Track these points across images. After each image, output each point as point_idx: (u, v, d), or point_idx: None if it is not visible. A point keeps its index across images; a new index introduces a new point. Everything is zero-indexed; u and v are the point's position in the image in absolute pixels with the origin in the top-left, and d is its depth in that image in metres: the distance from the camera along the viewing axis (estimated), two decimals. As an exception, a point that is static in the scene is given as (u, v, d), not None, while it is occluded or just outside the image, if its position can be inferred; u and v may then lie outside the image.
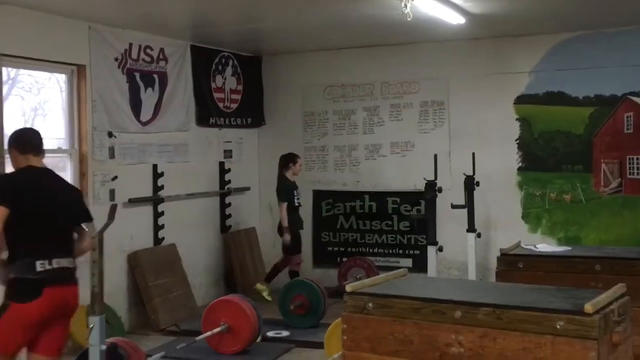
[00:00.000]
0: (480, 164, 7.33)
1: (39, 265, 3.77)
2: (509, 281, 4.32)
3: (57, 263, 3.86)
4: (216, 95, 8.20)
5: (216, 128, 8.21)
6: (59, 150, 6.39)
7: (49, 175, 4.13)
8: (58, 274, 3.84)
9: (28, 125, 6.04)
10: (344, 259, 8.27)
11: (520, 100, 7.73)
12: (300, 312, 6.62)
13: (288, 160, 7.65)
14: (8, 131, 5.67)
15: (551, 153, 7.65)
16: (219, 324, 5.75)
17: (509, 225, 7.65)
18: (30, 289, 3.75)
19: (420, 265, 7.73)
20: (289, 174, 7.61)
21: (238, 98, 8.57)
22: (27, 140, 4.06)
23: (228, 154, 8.44)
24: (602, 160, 7.46)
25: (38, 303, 3.74)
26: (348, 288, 3.29)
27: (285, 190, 7.55)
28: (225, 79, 8.36)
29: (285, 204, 7.49)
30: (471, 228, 7.22)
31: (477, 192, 7.25)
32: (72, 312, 4.03)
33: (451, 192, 7.50)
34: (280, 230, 7.57)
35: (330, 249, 8.63)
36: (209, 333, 5.72)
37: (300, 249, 7.74)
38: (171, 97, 7.43)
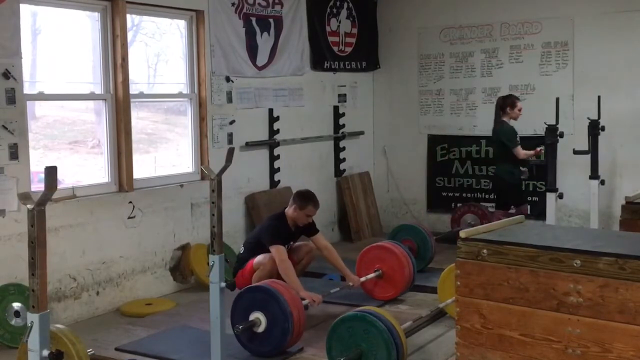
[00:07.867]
0: (606, 108, 6.95)
1: None
2: (633, 230, 4.12)
3: None
4: (331, 39, 8.17)
5: (331, 72, 8.21)
6: (179, 95, 6.60)
7: None
8: None
9: (151, 70, 6.32)
10: (458, 205, 8.16)
11: (653, 39, 7.23)
12: (407, 256, 6.59)
13: (506, 103, 6.96)
14: (133, 76, 5.95)
15: (686, 96, 7.15)
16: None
17: (635, 173, 7.27)
18: None
19: (538, 212, 7.53)
20: (505, 118, 6.95)
21: (352, 41, 8.51)
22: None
23: (342, 98, 8.44)
24: None
25: None
26: (462, 234, 3.25)
27: (513, 134, 6.88)
28: (340, 22, 8.30)
29: (520, 148, 6.83)
30: (594, 175, 6.93)
31: (602, 138, 6.90)
32: None
33: (573, 137, 7.19)
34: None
35: (444, 194, 8.52)
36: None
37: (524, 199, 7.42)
38: (286, 41, 7.48)
